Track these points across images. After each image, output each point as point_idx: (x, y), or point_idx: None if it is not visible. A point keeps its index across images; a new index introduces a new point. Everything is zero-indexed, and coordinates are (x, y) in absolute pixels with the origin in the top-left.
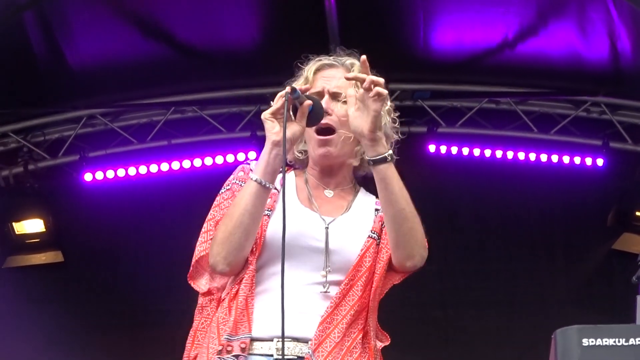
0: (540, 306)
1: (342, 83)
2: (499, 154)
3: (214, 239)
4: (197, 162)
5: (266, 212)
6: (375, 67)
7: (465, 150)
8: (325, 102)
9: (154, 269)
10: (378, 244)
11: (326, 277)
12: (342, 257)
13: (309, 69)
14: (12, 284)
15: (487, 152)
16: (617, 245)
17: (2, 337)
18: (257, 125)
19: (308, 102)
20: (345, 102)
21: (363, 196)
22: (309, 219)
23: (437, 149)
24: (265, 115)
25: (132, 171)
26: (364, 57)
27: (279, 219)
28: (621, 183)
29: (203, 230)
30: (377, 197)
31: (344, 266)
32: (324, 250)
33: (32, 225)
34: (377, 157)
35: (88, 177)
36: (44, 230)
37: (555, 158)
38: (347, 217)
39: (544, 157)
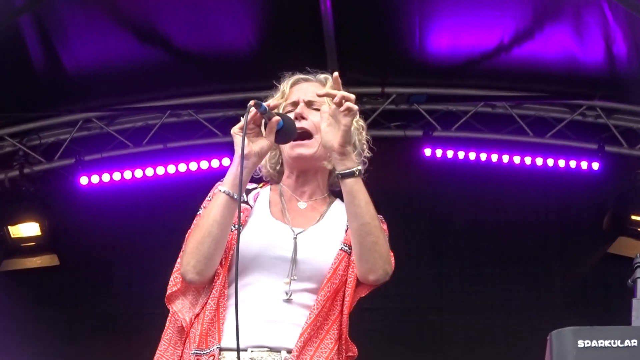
0: (536, 310)
1: (314, 94)
2: (494, 157)
3: (185, 249)
4: (193, 166)
5: (235, 226)
6: (372, 70)
7: (461, 154)
8: (300, 108)
9: (150, 272)
10: (349, 256)
11: (289, 284)
12: (311, 266)
13: (285, 83)
14: (7, 287)
15: (483, 156)
16: (613, 249)
17: None
18: None
19: (276, 118)
20: (316, 109)
21: (337, 206)
22: (278, 231)
23: (433, 153)
24: (234, 130)
25: (127, 175)
26: (335, 73)
27: (250, 232)
28: (617, 187)
29: (183, 248)
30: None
31: (313, 275)
32: (290, 259)
33: (27, 229)
34: (346, 171)
35: (84, 180)
36: (39, 233)
37: (550, 162)
38: (318, 227)
39: (539, 161)
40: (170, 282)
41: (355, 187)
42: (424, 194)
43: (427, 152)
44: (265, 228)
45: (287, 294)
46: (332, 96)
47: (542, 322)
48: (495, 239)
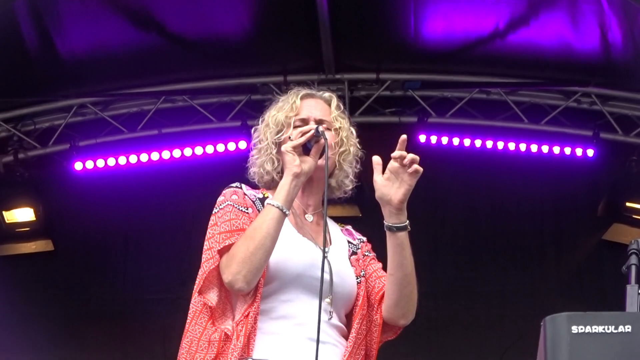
0: (530, 297)
1: (323, 112)
2: (489, 144)
3: (232, 257)
4: (188, 152)
5: None
6: (366, 57)
7: (456, 141)
8: (311, 123)
9: (144, 257)
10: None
11: (331, 304)
12: (343, 288)
13: (294, 97)
14: (2, 272)
15: (478, 143)
16: (608, 236)
17: None
18: (248, 114)
19: (322, 142)
20: (327, 128)
21: (332, 223)
22: (311, 250)
23: (428, 139)
24: (287, 148)
25: (122, 160)
26: (404, 136)
27: (290, 249)
28: (611, 174)
29: (206, 247)
30: (338, 223)
31: (345, 297)
32: (329, 280)
33: (22, 214)
34: (400, 225)
35: (78, 166)
36: (34, 219)
37: (545, 148)
38: (335, 248)
39: (534, 148)
40: (199, 273)
41: (406, 241)
42: (418, 181)
43: (422, 138)
44: (298, 245)
45: (329, 313)
46: (402, 157)
47: (536, 308)
48: (489, 226)
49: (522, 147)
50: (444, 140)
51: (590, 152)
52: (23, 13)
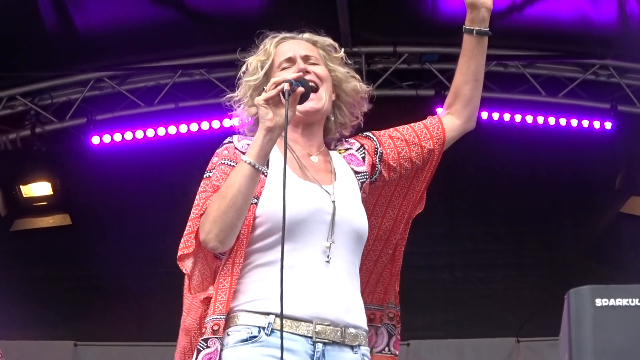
0: (548, 269)
1: (307, 50)
2: (506, 117)
3: (206, 216)
4: (205, 125)
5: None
6: (383, 30)
7: None
8: (298, 62)
9: (161, 232)
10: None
11: (329, 247)
12: (347, 226)
13: (269, 43)
14: (19, 246)
15: (495, 116)
16: (625, 209)
17: (9, 299)
18: None
19: (301, 89)
20: (314, 63)
21: (335, 157)
22: (314, 192)
23: None
24: (259, 101)
25: (139, 134)
26: None
27: (278, 194)
28: (629, 146)
29: (192, 215)
30: (336, 148)
31: (350, 235)
32: (330, 222)
33: (39, 188)
34: (487, 29)
35: (95, 140)
36: (51, 193)
37: (563, 121)
38: (340, 185)
39: (552, 121)
40: (181, 244)
41: (486, 46)
42: None
43: (439, 111)
44: (302, 190)
45: (327, 255)
46: None
47: (554, 281)
48: (507, 198)
49: (540, 119)
50: None
51: (608, 125)
52: None
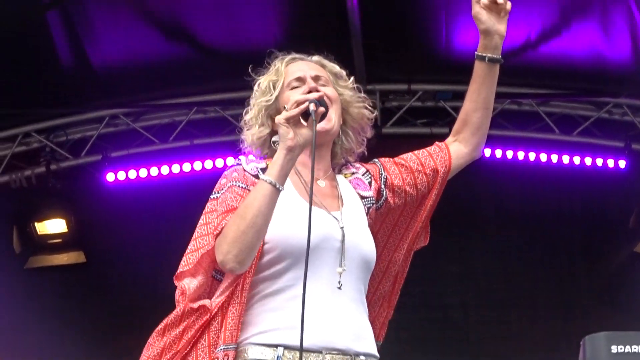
0: (562, 308)
1: (317, 71)
2: (521, 155)
3: (224, 237)
4: (219, 163)
5: None
6: (398, 67)
7: (487, 152)
8: (309, 81)
9: (175, 268)
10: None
11: (341, 274)
12: (355, 253)
13: (280, 62)
14: (34, 284)
15: (509, 154)
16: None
17: (24, 337)
18: None
19: (322, 109)
20: (324, 84)
21: (341, 181)
22: (322, 219)
23: None
24: (280, 119)
25: (154, 171)
26: None
27: (292, 219)
28: None
29: (198, 234)
30: (342, 172)
31: (357, 262)
32: (340, 249)
33: (54, 226)
34: (499, 57)
35: (110, 177)
36: (66, 230)
37: (577, 160)
38: (347, 210)
39: (566, 159)
40: (182, 262)
41: (497, 73)
42: (449, 191)
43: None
44: (307, 215)
45: (338, 282)
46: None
47: (568, 320)
48: (521, 237)
49: (554, 158)
50: None
51: (622, 164)
52: (56, 23)
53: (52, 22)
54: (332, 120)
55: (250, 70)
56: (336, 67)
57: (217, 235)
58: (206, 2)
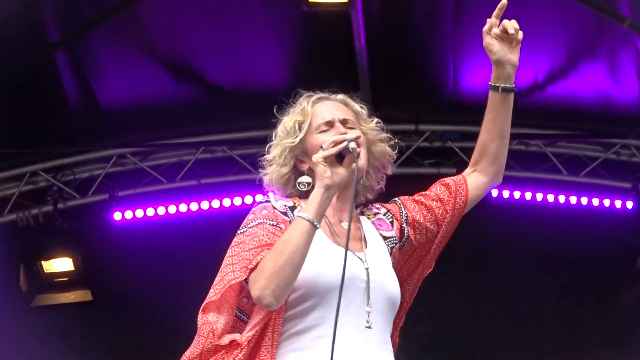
0: (570, 350)
1: (344, 112)
2: (528, 196)
3: (261, 272)
4: (227, 202)
5: None
6: (405, 107)
7: (495, 192)
8: (341, 127)
9: (183, 309)
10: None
11: (369, 313)
12: (381, 293)
13: (306, 102)
14: (40, 322)
15: (517, 194)
16: None
17: None
18: None
19: (358, 149)
20: (351, 127)
21: (364, 221)
22: (350, 259)
23: None
24: (318, 158)
25: (161, 211)
26: (504, 1)
27: (318, 259)
28: None
29: (227, 263)
30: (364, 214)
31: (383, 301)
32: (366, 289)
33: (61, 264)
34: (513, 86)
35: (117, 216)
36: (73, 269)
37: (584, 200)
38: (371, 251)
39: (573, 200)
40: (210, 293)
41: (512, 102)
42: (457, 232)
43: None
44: (334, 255)
45: (367, 323)
46: (505, 30)
47: None
48: (528, 278)
49: (562, 199)
50: None
51: (629, 204)
52: (64, 63)
53: (60, 62)
54: (362, 160)
55: (275, 110)
56: (357, 106)
57: (252, 269)
58: (214, 43)
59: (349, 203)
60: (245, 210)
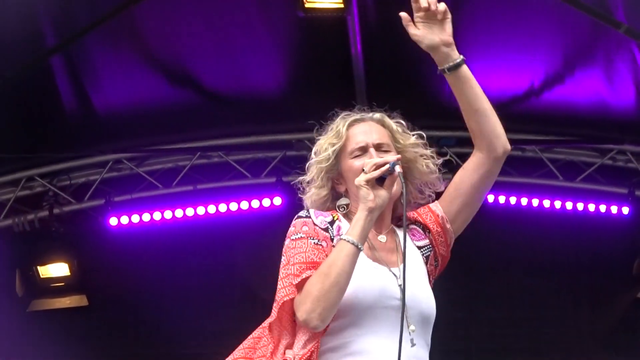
0: (566, 354)
1: (379, 135)
2: (524, 201)
3: (307, 294)
4: (222, 208)
5: None
6: (401, 113)
7: (491, 198)
8: (375, 153)
9: (179, 313)
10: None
11: (413, 331)
12: (415, 310)
13: (341, 124)
14: (36, 327)
15: (513, 200)
16: None
17: None
18: (283, 170)
19: (399, 170)
20: (387, 150)
21: (401, 233)
22: (383, 276)
23: None
24: (360, 182)
25: (157, 216)
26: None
27: (362, 279)
28: None
29: (284, 274)
30: (400, 226)
31: (418, 318)
32: (401, 306)
33: (57, 269)
34: (458, 61)
35: (113, 221)
36: (68, 274)
37: (580, 206)
38: (408, 267)
39: (569, 205)
40: (280, 294)
41: (469, 73)
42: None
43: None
44: (367, 272)
45: (411, 342)
46: (426, 7)
47: None
48: (524, 283)
49: (557, 204)
50: None
51: (625, 210)
52: (59, 68)
53: (56, 67)
54: (396, 185)
55: (314, 132)
56: (394, 125)
57: (297, 285)
58: (211, 48)
59: (386, 216)
60: (241, 215)
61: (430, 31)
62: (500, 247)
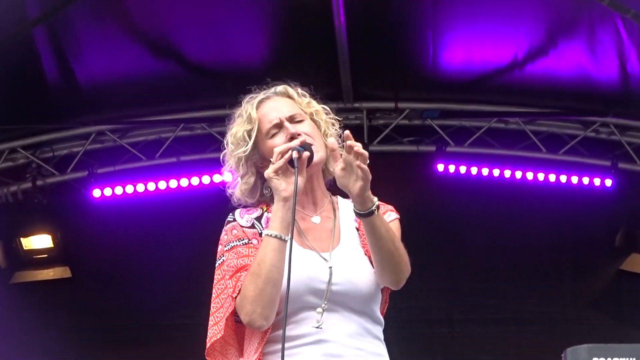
0: (548, 326)
1: (289, 107)
2: (507, 173)
3: (244, 298)
4: (206, 180)
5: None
6: (385, 85)
7: (474, 170)
8: (290, 127)
9: (162, 284)
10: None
11: (322, 313)
12: (344, 292)
13: (249, 108)
14: (19, 299)
15: (496, 172)
16: (625, 266)
17: (10, 353)
18: None
19: (306, 153)
20: (300, 120)
21: (342, 205)
22: (311, 262)
23: (446, 168)
24: (269, 174)
25: (140, 188)
26: (347, 132)
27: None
28: (630, 204)
29: (213, 309)
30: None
31: (347, 300)
32: (326, 289)
33: (40, 241)
34: (366, 212)
35: (96, 193)
36: (52, 246)
37: (563, 178)
38: (341, 246)
39: (552, 177)
40: (209, 334)
41: (377, 222)
42: (436, 210)
43: (440, 167)
44: (298, 261)
45: (317, 321)
46: (351, 147)
47: (554, 337)
48: (507, 254)
49: (541, 176)
50: (462, 169)
51: (608, 182)
52: (42, 40)
53: (38, 38)
54: (319, 152)
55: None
56: (296, 95)
57: (236, 297)
58: (193, 20)
59: (315, 192)
60: (224, 187)
61: (348, 176)
62: (483, 218)
